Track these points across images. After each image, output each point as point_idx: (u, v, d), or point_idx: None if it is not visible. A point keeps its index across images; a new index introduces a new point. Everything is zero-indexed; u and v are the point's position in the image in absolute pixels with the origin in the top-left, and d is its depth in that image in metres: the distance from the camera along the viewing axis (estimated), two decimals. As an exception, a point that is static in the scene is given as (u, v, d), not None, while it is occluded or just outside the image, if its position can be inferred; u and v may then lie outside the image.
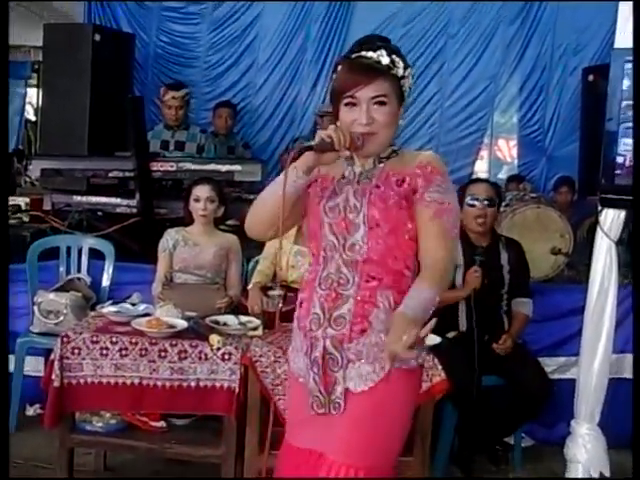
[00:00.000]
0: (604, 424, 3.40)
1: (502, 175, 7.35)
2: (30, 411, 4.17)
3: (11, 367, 4.12)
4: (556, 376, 4.12)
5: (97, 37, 5.76)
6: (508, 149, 7.46)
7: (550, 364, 4.20)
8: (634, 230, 3.17)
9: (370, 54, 2.08)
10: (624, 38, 3.06)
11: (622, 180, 3.03)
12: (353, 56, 2.12)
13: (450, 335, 4.00)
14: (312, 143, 2.05)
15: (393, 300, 2.10)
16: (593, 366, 3.28)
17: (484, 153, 7.27)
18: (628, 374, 4.33)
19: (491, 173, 7.29)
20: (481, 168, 7.29)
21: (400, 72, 2.11)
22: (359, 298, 2.10)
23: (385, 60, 2.07)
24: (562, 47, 6.83)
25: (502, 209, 4.92)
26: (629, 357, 4.32)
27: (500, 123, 7.20)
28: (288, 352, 2.33)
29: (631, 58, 2.98)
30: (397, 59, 2.10)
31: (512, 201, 5.06)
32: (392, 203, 2.09)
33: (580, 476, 3.27)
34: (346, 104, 2.09)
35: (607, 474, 3.29)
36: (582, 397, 3.32)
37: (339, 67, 2.16)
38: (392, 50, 2.10)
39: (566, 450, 3.37)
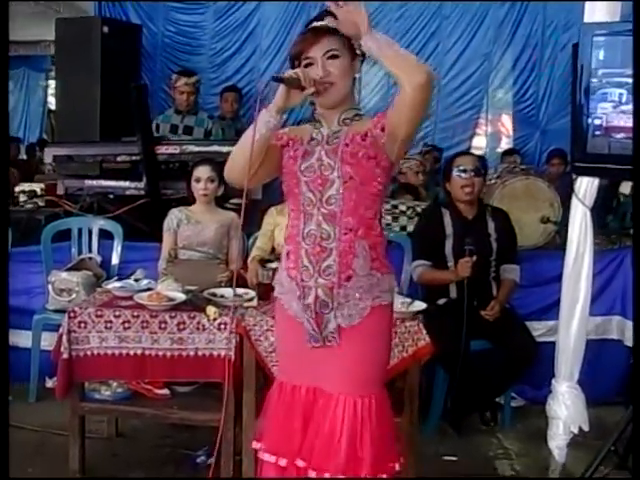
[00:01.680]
0: (586, 382, 3.40)
1: (498, 149, 7.32)
2: (49, 383, 4.21)
3: (29, 343, 4.23)
4: (544, 339, 4.11)
5: (105, 29, 5.83)
6: (503, 124, 7.41)
7: (538, 327, 4.22)
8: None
9: (319, 23, 2.27)
10: (592, 15, 3.10)
11: (593, 149, 3.01)
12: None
13: (440, 302, 4.03)
14: (282, 75, 2.19)
15: (368, 247, 2.30)
16: (571, 328, 3.28)
17: (481, 128, 7.22)
18: (614, 335, 4.36)
19: (488, 147, 7.26)
20: (478, 143, 7.25)
21: None
22: (341, 249, 2.27)
23: (331, 24, 2.21)
24: (552, 25, 6.76)
25: (493, 181, 4.93)
26: (615, 319, 4.35)
27: (495, 99, 7.14)
28: (275, 295, 2.46)
29: (600, 32, 2.98)
30: None
31: (502, 173, 5.05)
32: (361, 155, 2.25)
33: (561, 432, 3.27)
34: (305, 65, 2.25)
35: (586, 429, 3.29)
36: (562, 357, 3.33)
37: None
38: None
39: (548, 408, 3.38)
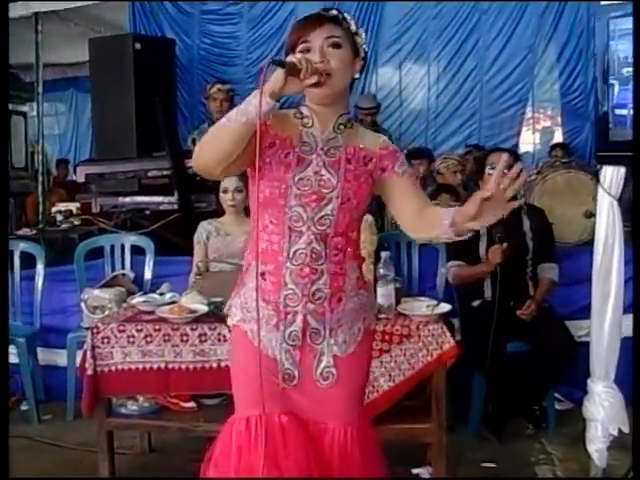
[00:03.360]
0: (624, 381, 3.32)
1: (550, 144, 7.22)
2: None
3: (64, 361, 4.34)
4: (588, 339, 4.03)
5: (138, 46, 5.94)
6: (551, 118, 7.30)
7: (583, 326, 4.13)
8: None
9: (321, 12, 2.13)
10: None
11: (616, 136, 2.96)
12: None
13: (475, 304, 4.00)
14: (285, 60, 1.95)
15: (357, 268, 2.21)
16: (604, 325, 3.20)
17: (528, 124, 7.13)
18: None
19: (537, 143, 7.16)
20: (526, 139, 7.16)
21: (352, 27, 2.11)
22: (332, 271, 2.12)
23: (338, 15, 2.10)
24: (599, 10, 6.63)
25: (533, 177, 4.87)
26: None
27: (541, 93, 7.04)
28: (234, 324, 2.23)
29: (616, 14, 2.92)
30: (348, 17, 2.13)
31: (542, 168, 4.99)
32: (363, 180, 2.13)
33: (599, 434, 3.20)
34: (301, 51, 2.05)
35: (626, 430, 3.20)
36: (596, 356, 3.25)
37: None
38: (343, 12, 2.14)
39: (584, 409, 3.31)
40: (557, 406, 4.11)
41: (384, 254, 3.31)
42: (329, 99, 2.10)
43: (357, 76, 2.14)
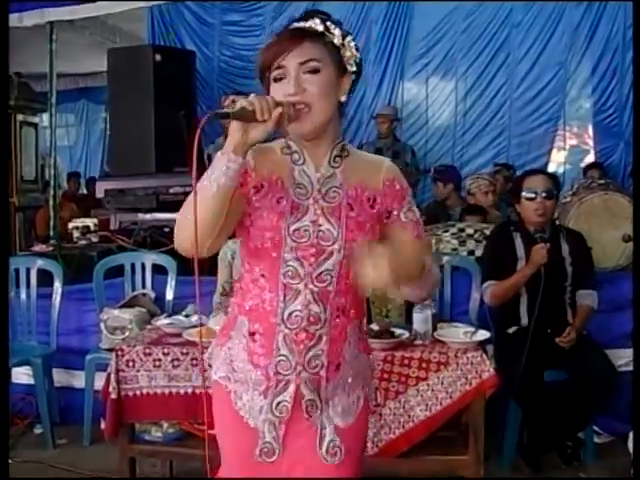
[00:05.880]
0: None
1: (581, 164, 7.22)
2: (104, 425, 4.33)
3: (82, 383, 4.34)
4: (628, 368, 4.03)
5: (158, 57, 6.03)
6: (583, 136, 7.31)
7: (622, 356, 4.14)
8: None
9: (301, 24, 1.87)
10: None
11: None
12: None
13: (511, 330, 3.99)
14: (228, 110, 1.73)
15: (359, 329, 2.02)
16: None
17: (559, 142, 7.14)
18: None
19: (568, 162, 7.17)
20: (557, 158, 7.18)
21: (336, 40, 1.86)
22: (331, 336, 1.92)
23: (318, 27, 1.85)
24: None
25: (568, 199, 4.87)
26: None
27: (573, 110, 7.08)
28: (216, 379, 2.02)
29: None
30: (332, 26, 1.87)
31: (579, 190, 4.98)
32: (368, 228, 1.91)
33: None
34: (275, 79, 1.83)
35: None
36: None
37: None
38: (328, 18, 1.88)
39: (630, 443, 3.29)
40: (596, 439, 4.08)
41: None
42: (312, 134, 1.87)
43: (344, 99, 1.90)
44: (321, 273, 1.88)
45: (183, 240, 1.81)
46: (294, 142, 1.92)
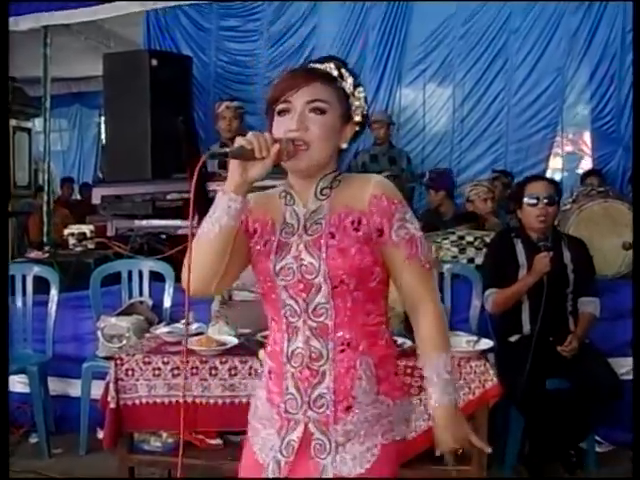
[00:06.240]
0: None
1: (578, 170, 7.24)
2: (100, 434, 4.29)
3: (78, 392, 4.32)
4: (629, 377, 4.02)
5: (154, 62, 5.99)
6: (581, 143, 7.31)
7: (624, 364, 4.13)
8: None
9: (317, 65, 1.92)
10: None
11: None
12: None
13: (512, 339, 3.98)
14: (226, 149, 1.78)
15: (374, 366, 1.90)
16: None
17: (557, 149, 7.14)
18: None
19: (566, 169, 7.18)
20: (555, 165, 7.18)
21: (348, 87, 1.90)
22: (337, 373, 1.87)
23: (332, 71, 1.90)
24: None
25: (568, 206, 4.87)
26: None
27: (571, 116, 7.07)
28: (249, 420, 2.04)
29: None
30: (347, 73, 1.91)
31: (578, 197, 4.99)
32: (353, 253, 1.84)
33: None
34: (279, 112, 1.85)
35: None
36: (641, 396, 3.24)
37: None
38: (343, 65, 1.93)
39: (634, 451, 3.28)
40: (597, 448, 4.07)
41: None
42: (307, 171, 1.88)
43: (345, 146, 1.92)
44: (315, 307, 1.87)
45: (185, 281, 1.85)
46: (289, 183, 1.95)
